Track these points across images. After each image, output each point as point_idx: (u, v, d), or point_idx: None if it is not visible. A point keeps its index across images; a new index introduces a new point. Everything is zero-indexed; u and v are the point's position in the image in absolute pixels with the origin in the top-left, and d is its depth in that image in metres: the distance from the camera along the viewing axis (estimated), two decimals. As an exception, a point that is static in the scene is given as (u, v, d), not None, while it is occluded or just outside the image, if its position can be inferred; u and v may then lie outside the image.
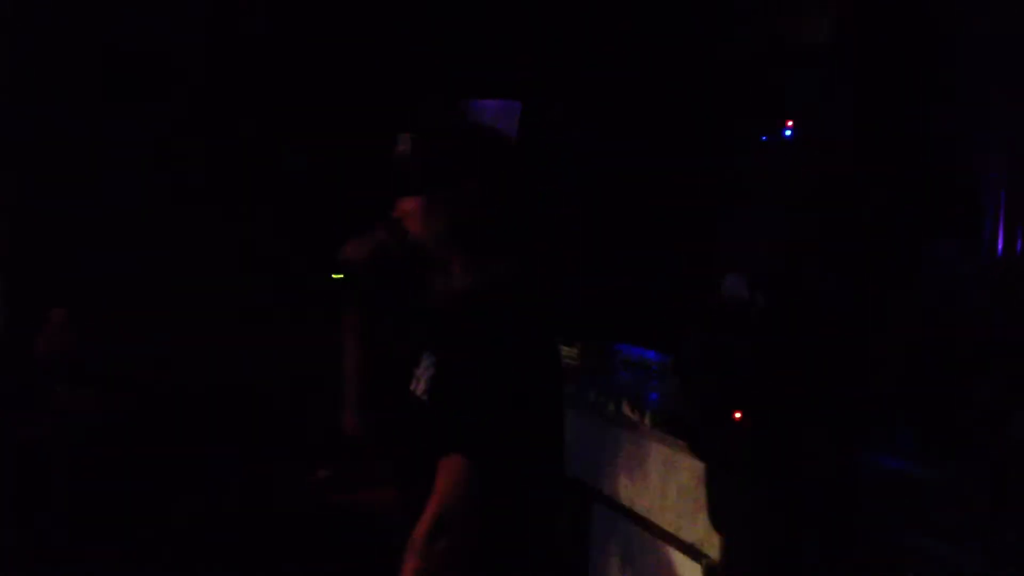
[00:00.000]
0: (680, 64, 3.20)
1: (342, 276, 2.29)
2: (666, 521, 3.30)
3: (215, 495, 4.56)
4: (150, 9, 4.93)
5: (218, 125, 5.04)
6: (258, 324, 4.91)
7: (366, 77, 4.75)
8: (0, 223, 5.06)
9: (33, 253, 4.96)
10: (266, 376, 4.88)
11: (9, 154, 4.95)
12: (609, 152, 3.39)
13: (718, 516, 3.10)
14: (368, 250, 2.30)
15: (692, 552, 3.19)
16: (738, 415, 2.94)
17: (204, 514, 4.46)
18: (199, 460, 4.65)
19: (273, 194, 5.07)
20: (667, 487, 3.30)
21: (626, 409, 3.44)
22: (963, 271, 2.80)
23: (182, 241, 5.03)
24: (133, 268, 4.91)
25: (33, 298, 4.85)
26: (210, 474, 4.63)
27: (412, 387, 2.24)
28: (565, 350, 4.09)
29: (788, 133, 2.86)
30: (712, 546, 3.11)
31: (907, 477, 2.63)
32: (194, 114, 5.03)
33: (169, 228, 5.02)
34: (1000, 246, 2.79)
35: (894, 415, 2.74)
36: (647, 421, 3.36)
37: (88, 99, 4.93)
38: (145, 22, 4.94)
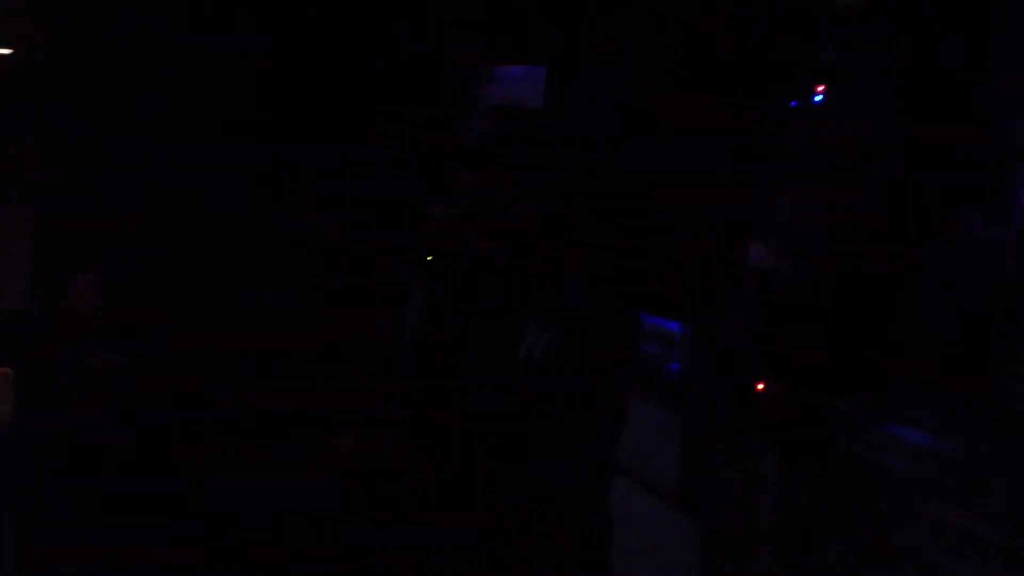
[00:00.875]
0: (708, 27, 3.16)
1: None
2: (690, 496, 3.29)
3: (239, 459, 4.59)
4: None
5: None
6: (281, 292, 4.93)
7: (388, 48, 4.75)
8: (27, 193, 5.10)
9: (60, 223, 4.99)
10: (291, 344, 4.90)
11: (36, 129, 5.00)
12: (636, 119, 3.36)
13: (742, 490, 3.09)
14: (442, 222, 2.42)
15: (718, 528, 3.19)
16: (761, 386, 2.93)
17: (228, 480, 4.48)
18: (223, 428, 4.67)
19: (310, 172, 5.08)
20: (690, 461, 3.29)
21: (648, 381, 3.43)
22: (992, 240, 2.76)
23: (211, 212, 5.06)
24: (161, 236, 4.94)
25: (60, 264, 4.88)
26: (234, 439, 4.65)
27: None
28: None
29: (819, 99, 2.82)
30: (738, 522, 3.11)
31: (930, 450, 2.62)
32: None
33: (201, 201, 5.04)
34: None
35: (919, 387, 2.71)
36: (669, 393, 3.35)
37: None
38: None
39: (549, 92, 3.62)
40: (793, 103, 2.86)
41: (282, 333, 4.92)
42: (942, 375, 2.67)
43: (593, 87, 3.66)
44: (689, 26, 3.22)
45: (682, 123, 3.29)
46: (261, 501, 4.36)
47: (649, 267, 3.39)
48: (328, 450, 4.31)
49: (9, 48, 5.10)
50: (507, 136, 2.45)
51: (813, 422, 2.84)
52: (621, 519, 3.62)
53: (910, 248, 2.74)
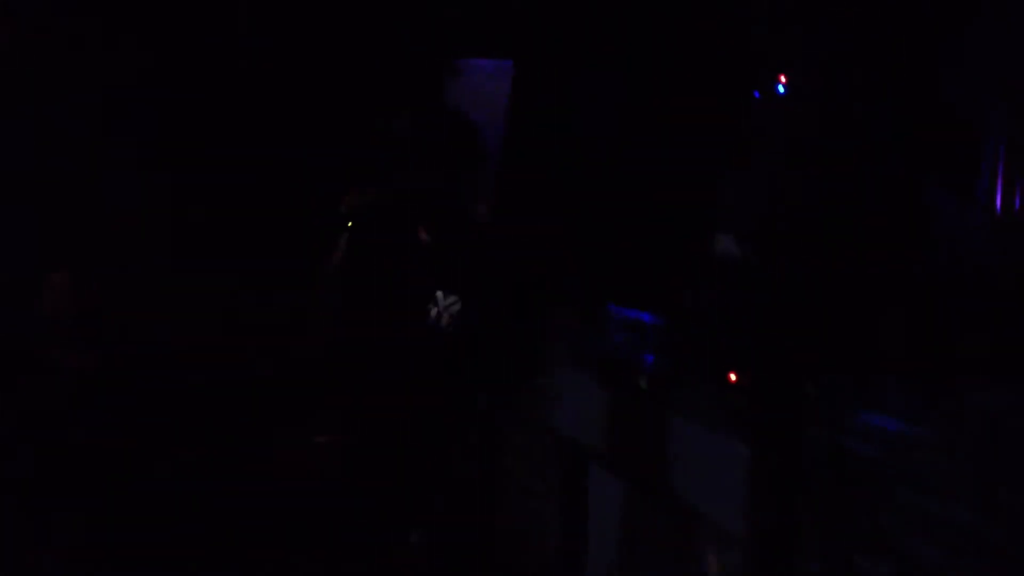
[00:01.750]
0: (669, 20, 3.17)
1: (351, 223, 2.58)
2: (661, 482, 3.30)
3: (214, 460, 4.58)
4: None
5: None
6: (253, 292, 4.91)
7: (356, 42, 4.73)
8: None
9: (33, 218, 4.96)
10: (263, 343, 4.88)
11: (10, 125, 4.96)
12: (601, 111, 3.36)
13: (713, 478, 3.10)
14: (365, 197, 2.55)
15: (688, 514, 3.19)
16: (733, 376, 2.93)
17: (206, 479, 4.47)
18: (197, 425, 4.66)
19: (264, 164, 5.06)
20: (661, 449, 3.29)
21: (620, 371, 3.43)
22: (960, 226, 2.77)
23: (179, 208, 5.04)
24: (132, 234, 4.92)
25: (33, 261, 4.85)
26: (209, 439, 4.64)
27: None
28: (559, 311, 4.08)
29: (781, 89, 2.82)
30: (708, 508, 3.12)
31: (900, 436, 2.63)
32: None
33: (166, 197, 5.02)
34: (999, 202, 2.76)
35: (889, 373, 2.72)
36: (642, 383, 3.35)
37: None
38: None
39: (515, 86, 3.62)
40: (756, 93, 2.86)
41: (258, 330, 4.90)
42: (912, 360, 2.68)
43: (562, 81, 3.66)
44: (655, 20, 3.22)
45: (647, 115, 3.29)
46: (243, 500, 4.35)
47: (619, 258, 3.40)
48: (309, 448, 4.30)
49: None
50: (419, 135, 2.60)
51: (784, 411, 2.85)
52: (597, 509, 3.64)
53: (877, 233, 2.75)
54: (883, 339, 2.74)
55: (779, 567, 2.84)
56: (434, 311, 2.56)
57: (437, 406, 2.57)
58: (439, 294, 2.54)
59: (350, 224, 2.73)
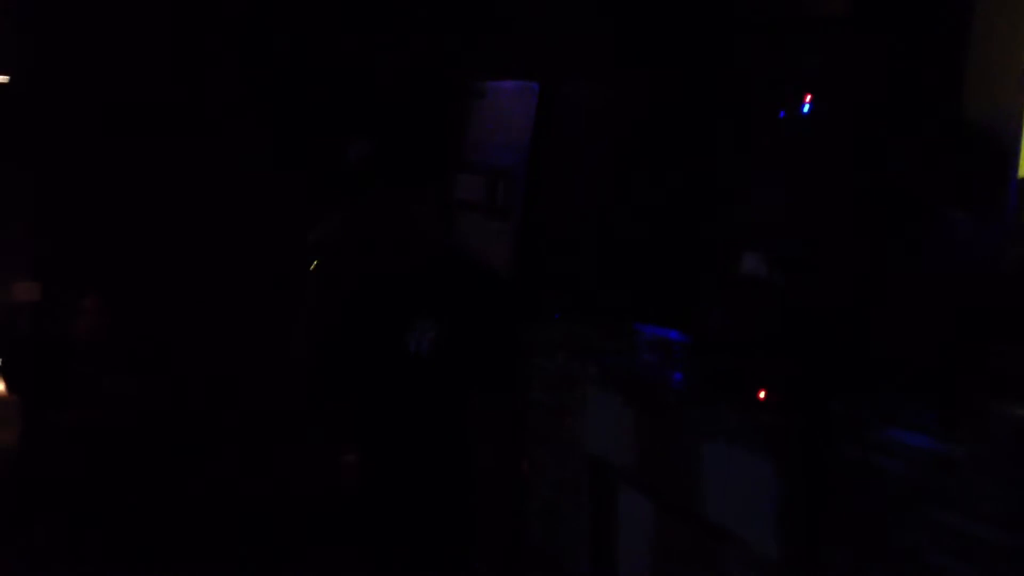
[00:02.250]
0: (696, 40, 3.18)
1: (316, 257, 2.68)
2: (690, 501, 3.30)
3: (244, 478, 4.60)
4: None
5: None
6: (284, 308, 4.93)
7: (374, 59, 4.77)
8: (28, 214, 5.11)
9: (65, 243, 5.00)
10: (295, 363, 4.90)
11: (37, 143, 5.00)
12: (626, 130, 3.38)
13: (742, 497, 3.09)
14: (332, 228, 2.58)
15: (719, 534, 3.19)
16: (762, 394, 2.93)
17: (233, 498, 4.50)
18: (227, 445, 4.69)
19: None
20: (689, 468, 3.29)
21: (648, 390, 3.43)
22: (984, 240, 2.77)
23: (212, 228, 5.06)
24: (161, 255, 4.95)
25: (66, 287, 4.90)
26: (239, 459, 4.67)
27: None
28: (587, 331, 4.09)
29: (807, 108, 2.83)
30: (739, 527, 3.12)
31: (929, 452, 2.62)
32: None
33: (196, 216, 5.05)
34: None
35: (917, 390, 2.72)
36: (671, 402, 3.36)
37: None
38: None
39: (541, 106, 3.65)
40: (782, 113, 2.87)
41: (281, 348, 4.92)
42: (940, 377, 2.68)
43: (587, 101, 3.69)
44: (682, 38, 3.24)
45: (674, 134, 3.31)
46: (269, 518, 4.37)
47: (646, 276, 3.41)
48: (334, 467, 4.31)
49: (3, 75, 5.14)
50: (375, 158, 2.64)
51: (813, 428, 2.85)
52: (626, 528, 3.64)
53: (903, 251, 2.75)
54: (910, 356, 2.74)
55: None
56: (412, 339, 2.58)
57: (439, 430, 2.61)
58: (416, 321, 2.57)
59: (316, 259, 2.76)
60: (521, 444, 2.79)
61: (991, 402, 2.53)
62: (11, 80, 5.13)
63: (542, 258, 3.88)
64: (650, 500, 3.53)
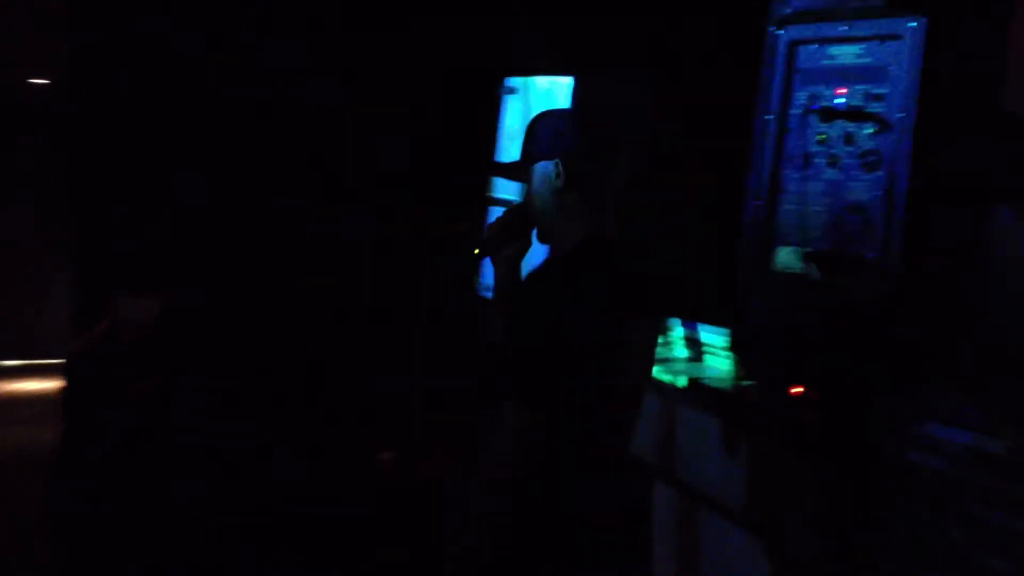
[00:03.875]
0: (723, 33, 3.17)
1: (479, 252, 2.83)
2: (728, 500, 3.28)
3: (278, 478, 4.62)
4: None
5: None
6: (323, 308, 4.95)
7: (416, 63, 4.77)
8: (68, 216, 5.16)
9: (101, 244, 5.04)
10: (331, 359, 4.92)
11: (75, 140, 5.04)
12: (662, 125, 3.37)
13: (780, 493, 3.07)
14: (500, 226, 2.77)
15: (756, 531, 3.17)
16: (799, 390, 2.91)
17: (270, 498, 4.52)
18: (262, 444, 4.70)
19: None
20: (728, 465, 3.27)
21: (684, 386, 3.41)
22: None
23: (244, 224, 5.08)
24: (199, 252, 4.97)
25: (103, 287, 4.93)
26: (274, 458, 4.68)
27: None
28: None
29: (839, 101, 2.80)
30: (776, 524, 3.09)
31: (970, 449, 2.59)
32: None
33: (230, 214, 5.06)
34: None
35: (958, 386, 2.68)
36: (705, 398, 3.34)
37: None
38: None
39: (575, 102, 3.63)
40: (815, 106, 2.84)
41: (327, 347, 4.94)
42: (982, 373, 2.65)
43: (622, 96, 3.67)
44: (718, 35, 3.22)
45: (710, 127, 3.29)
46: (303, 519, 4.39)
47: (683, 272, 3.39)
48: (370, 466, 4.33)
49: (45, 78, 5.17)
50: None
51: (851, 424, 2.82)
52: (667, 525, 3.62)
53: (944, 249, 2.72)
54: (952, 351, 2.70)
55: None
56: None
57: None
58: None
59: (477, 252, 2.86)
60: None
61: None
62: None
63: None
64: (686, 497, 3.52)
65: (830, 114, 2.81)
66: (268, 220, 5.02)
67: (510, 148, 4.19)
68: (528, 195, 2.68)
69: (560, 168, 2.58)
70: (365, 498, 4.37)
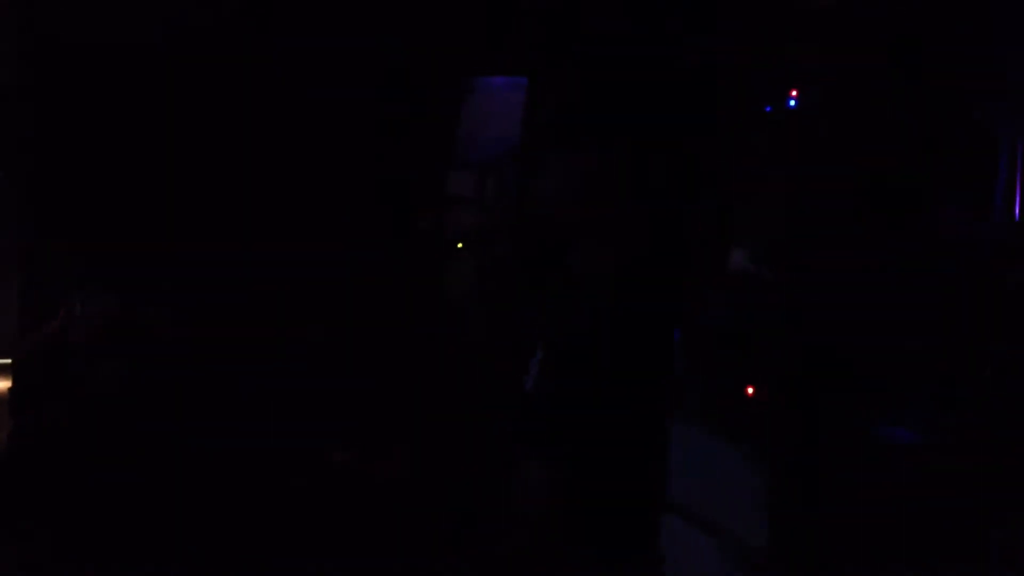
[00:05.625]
0: (682, 34, 3.17)
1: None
2: (682, 498, 3.29)
3: (228, 477, 4.58)
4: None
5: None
6: (274, 304, 4.92)
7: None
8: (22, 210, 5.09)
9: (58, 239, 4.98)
10: (282, 356, 4.89)
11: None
12: (612, 123, 3.36)
13: (732, 492, 3.09)
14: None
15: (709, 528, 3.19)
16: (750, 390, 2.93)
17: (216, 498, 4.48)
18: (210, 443, 4.66)
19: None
20: (679, 463, 3.28)
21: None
22: (975, 235, 2.77)
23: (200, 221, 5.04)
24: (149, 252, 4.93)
25: (57, 282, 4.87)
26: (223, 456, 4.65)
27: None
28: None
29: (793, 103, 2.82)
30: (727, 522, 3.11)
31: (918, 447, 2.63)
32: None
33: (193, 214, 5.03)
34: (1016, 208, 2.75)
35: (909, 385, 2.72)
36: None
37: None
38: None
39: (529, 102, 3.62)
40: (767, 108, 2.85)
41: (287, 341, 4.90)
42: (932, 371, 2.68)
43: (574, 95, 3.67)
44: (668, 35, 3.22)
45: (659, 128, 3.29)
46: (255, 516, 4.36)
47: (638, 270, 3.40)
48: (323, 464, 4.30)
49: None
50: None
51: (801, 424, 2.84)
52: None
53: (894, 246, 2.75)
54: (898, 351, 2.73)
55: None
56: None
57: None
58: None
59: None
60: None
61: (980, 395, 2.53)
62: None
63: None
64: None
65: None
66: (230, 218, 4.98)
67: (467, 146, 4.18)
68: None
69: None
70: (317, 497, 4.35)
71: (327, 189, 5.08)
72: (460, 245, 2.81)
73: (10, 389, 4.42)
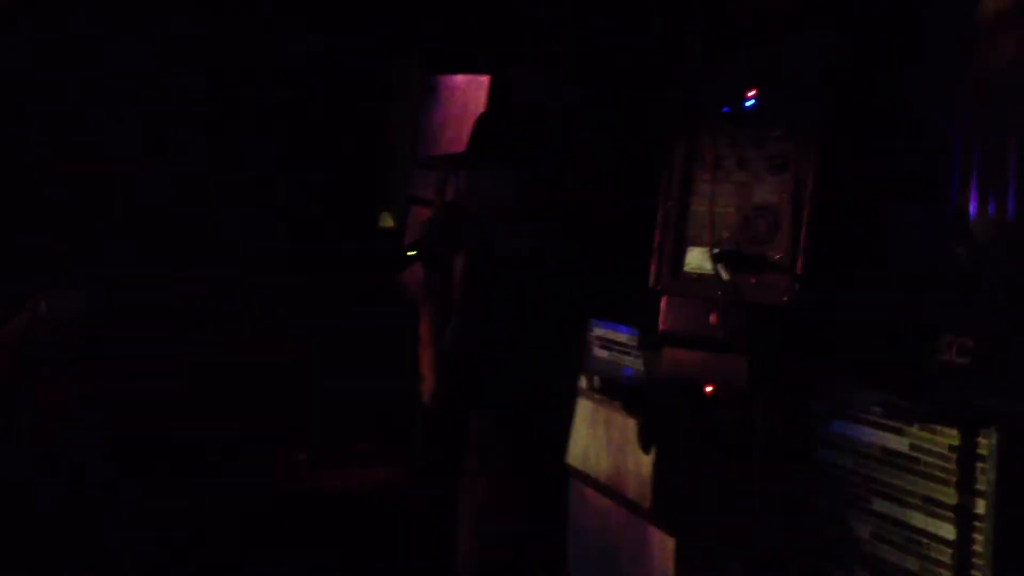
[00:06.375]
0: (641, 34, 3.18)
1: (415, 252, 2.75)
2: (639, 495, 3.30)
3: (197, 479, 4.57)
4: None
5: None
6: (236, 311, 4.91)
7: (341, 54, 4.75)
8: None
9: (16, 241, 4.93)
10: (245, 361, 4.88)
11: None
12: (573, 124, 3.38)
13: (688, 489, 3.11)
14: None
15: (670, 528, 3.20)
16: (708, 388, 2.93)
17: (188, 499, 4.46)
18: (179, 446, 4.65)
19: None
20: (638, 462, 3.30)
21: (598, 385, 3.43)
22: (929, 234, 2.78)
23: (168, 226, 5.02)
24: (117, 253, 4.90)
25: (15, 286, 4.83)
26: (191, 459, 4.63)
27: None
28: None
29: (750, 103, 2.82)
30: (688, 522, 3.13)
31: (875, 446, 2.64)
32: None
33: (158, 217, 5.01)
34: (972, 208, 2.77)
35: (864, 383, 2.73)
36: (619, 397, 3.36)
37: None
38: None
39: (491, 100, 3.63)
40: (725, 108, 2.86)
41: (243, 348, 4.90)
42: (886, 370, 2.69)
43: (536, 95, 3.67)
44: (626, 35, 3.23)
45: (618, 129, 3.30)
46: (219, 521, 4.34)
47: (596, 271, 3.40)
48: (285, 468, 4.30)
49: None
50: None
51: (760, 422, 2.85)
52: (588, 529, 3.63)
53: (848, 246, 2.76)
54: (857, 350, 2.74)
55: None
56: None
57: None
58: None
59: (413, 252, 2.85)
60: None
61: (938, 394, 2.54)
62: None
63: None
64: (602, 495, 3.53)
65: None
66: (195, 221, 4.97)
67: (429, 145, 4.18)
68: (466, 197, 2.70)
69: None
70: (280, 498, 4.35)
71: (283, 191, 5.11)
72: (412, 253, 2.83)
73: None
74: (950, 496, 2.44)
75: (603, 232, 3.44)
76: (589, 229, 3.07)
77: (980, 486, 2.37)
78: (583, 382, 3.53)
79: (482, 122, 2.77)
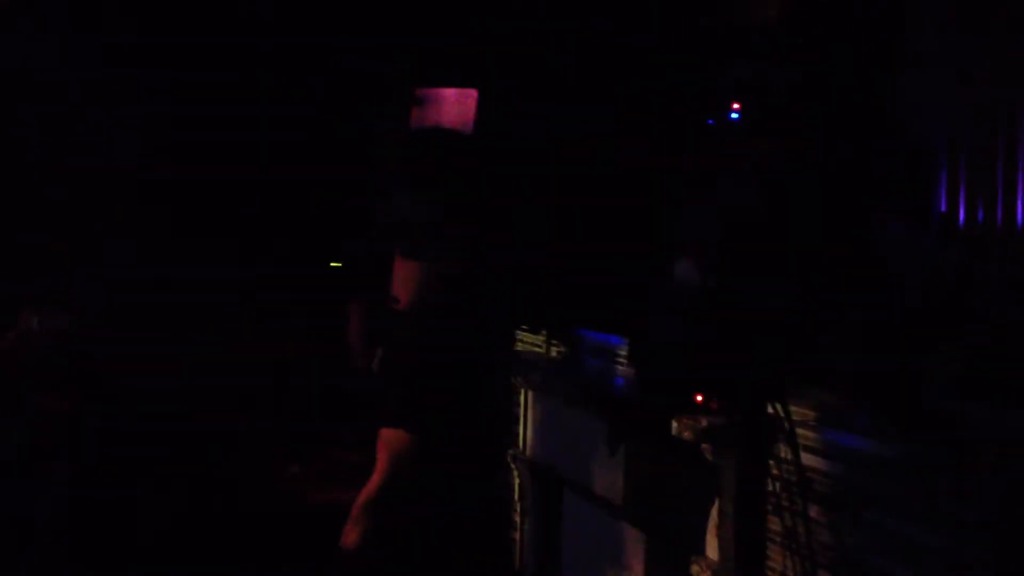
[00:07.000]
0: (629, 49, 3.19)
1: (340, 264, 2.84)
2: (631, 506, 3.31)
3: (188, 494, 4.57)
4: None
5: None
6: (226, 327, 4.91)
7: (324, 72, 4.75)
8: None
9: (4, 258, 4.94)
10: (233, 378, 4.88)
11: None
12: (562, 139, 3.39)
13: (683, 498, 3.11)
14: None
15: (655, 535, 3.21)
16: (699, 398, 2.94)
17: (178, 514, 4.46)
18: (170, 460, 4.65)
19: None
20: (631, 470, 3.31)
21: (590, 395, 3.44)
22: (914, 244, 2.80)
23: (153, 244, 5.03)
24: (102, 272, 4.91)
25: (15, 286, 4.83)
26: (183, 473, 4.63)
27: None
28: (531, 338, 4.10)
29: (735, 116, 2.84)
30: (678, 528, 3.13)
31: (865, 454, 2.64)
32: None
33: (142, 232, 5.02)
34: (961, 218, 2.78)
35: (852, 392, 2.74)
36: (611, 407, 3.37)
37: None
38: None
39: (480, 114, 3.63)
40: (710, 121, 2.88)
41: (231, 361, 4.90)
42: (873, 379, 2.70)
43: (525, 109, 3.68)
44: (609, 48, 3.25)
45: (608, 142, 3.31)
46: (213, 531, 4.35)
47: (587, 283, 3.42)
48: (278, 478, 4.30)
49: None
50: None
51: (750, 430, 2.86)
52: (571, 533, 3.65)
53: (834, 256, 2.77)
54: (846, 359, 2.76)
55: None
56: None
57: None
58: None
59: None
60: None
61: (927, 405, 2.55)
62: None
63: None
64: (592, 504, 3.54)
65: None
66: (181, 240, 4.98)
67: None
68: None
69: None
70: (273, 516, 4.35)
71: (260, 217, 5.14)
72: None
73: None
74: (944, 505, 2.44)
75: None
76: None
77: (975, 496, 2.37)
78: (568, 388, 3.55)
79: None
